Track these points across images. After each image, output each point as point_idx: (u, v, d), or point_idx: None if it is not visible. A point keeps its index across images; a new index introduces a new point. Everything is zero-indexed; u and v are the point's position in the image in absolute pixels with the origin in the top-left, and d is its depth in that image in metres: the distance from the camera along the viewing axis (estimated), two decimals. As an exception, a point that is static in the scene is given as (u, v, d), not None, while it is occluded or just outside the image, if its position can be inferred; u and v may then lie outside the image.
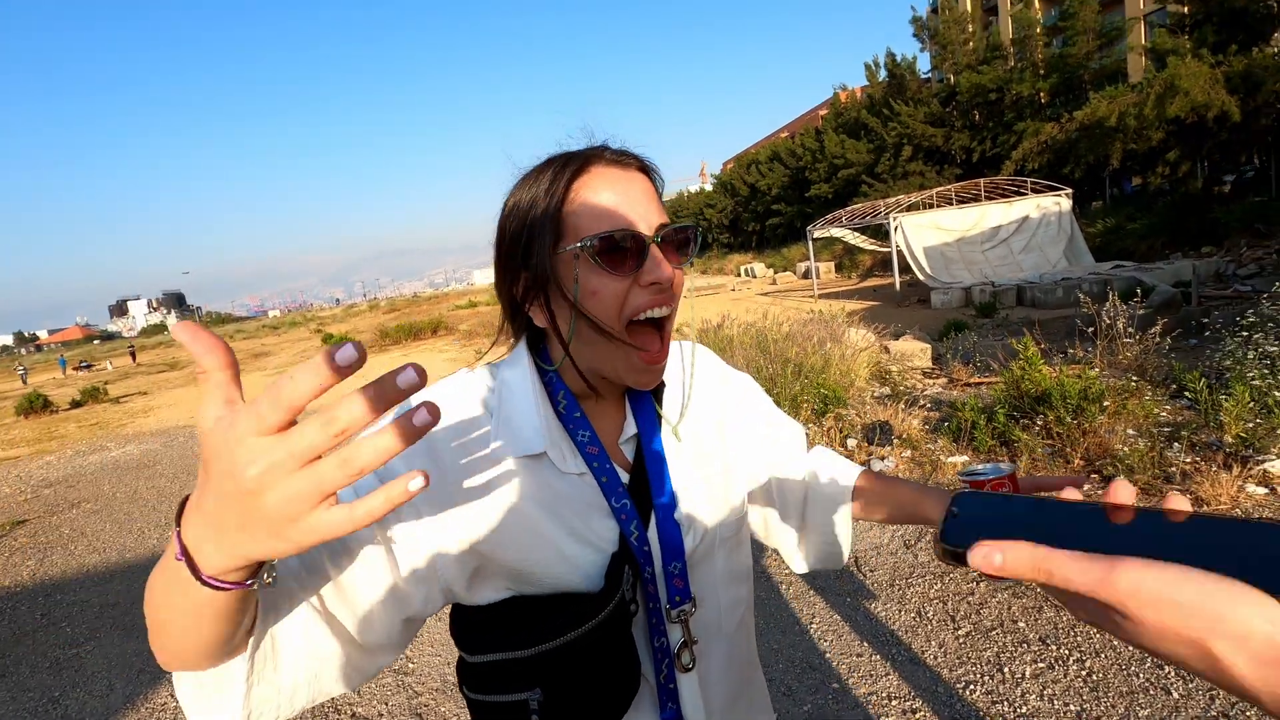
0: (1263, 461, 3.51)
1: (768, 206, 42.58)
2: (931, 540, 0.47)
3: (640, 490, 0.73)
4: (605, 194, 0.67)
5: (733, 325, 8.96)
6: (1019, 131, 24.21)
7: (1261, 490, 3.35)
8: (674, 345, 0.85)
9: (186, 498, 0.44)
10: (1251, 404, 3.71)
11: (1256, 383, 3.76)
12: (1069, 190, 19.56)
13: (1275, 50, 19.55)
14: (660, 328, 0.71)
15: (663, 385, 0.81)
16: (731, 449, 0.84)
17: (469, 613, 0.68)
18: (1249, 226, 17.60)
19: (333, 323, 36.42)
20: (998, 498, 0.46)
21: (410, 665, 2.96)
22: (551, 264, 0.67)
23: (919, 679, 2.36)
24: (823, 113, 45.45)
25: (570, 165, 0.68)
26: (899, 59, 30.60)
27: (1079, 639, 2.44)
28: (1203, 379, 3.97)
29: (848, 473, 0.87)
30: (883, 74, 31.29)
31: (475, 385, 0.73)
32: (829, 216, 24.15)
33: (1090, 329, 6.16)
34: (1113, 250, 19.38)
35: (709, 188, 64.41)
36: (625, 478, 0.73)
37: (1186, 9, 21.04)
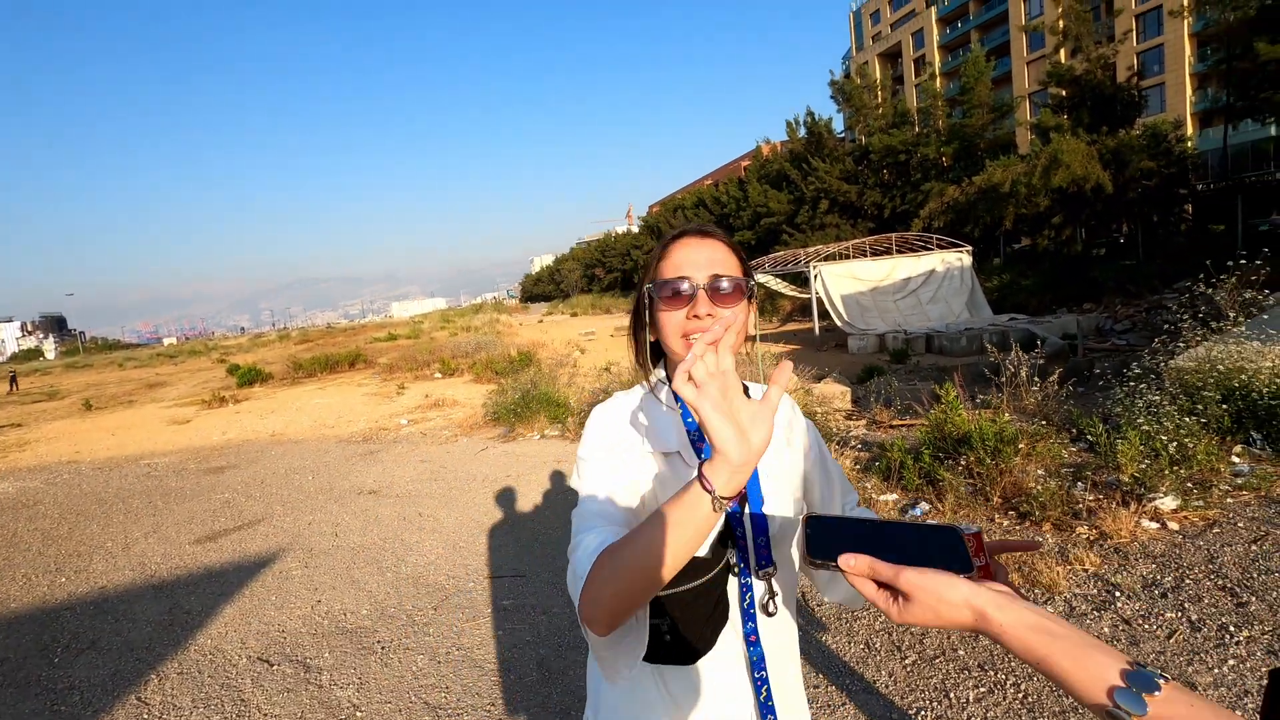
0: (1154, 499, 3.92)
1: (693, 250, 43.70)
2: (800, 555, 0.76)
3: None
4: (681, 253, 1.01)
5: (668, 365, 9.16)
6: (925, 191, 26.10)
7: (1154, 525, 3.74)
8: (760, 387, 1.14)
9: (701, 465, 0.74)
10: (1142, 447, 4.15)
11: (1146, 428, 4.21)
12: (969, 247, 21.21)
13: (1139, 133, 22.13)
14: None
15: None
16: (795, 467, 1.10)
17: None
18: (1122, 287, 19.59)
19: (238, 352, 34.30)
20: (833, 521, 0.77)
21: (358, 714, 2.83)
22: (645, 300, 1.02)
23: (873, 707, 2.48)
24: (745, 163, 47.49)
25: (674, 235, 1.04)
26: (817, 118, 32.50)
27: (1013, 664, 2.63)
28: (1101, 424, 4.39)
29: None
30: (803, 131, 33.09)
31: (632, 400, 1.07)
32: (752, 262, 25.01)
33: (996, 376, 6.70)
34: (1008, 304, 21.05)
35: (635, 230, 65.67)
36: None
37: (1064, 92, 23.56)
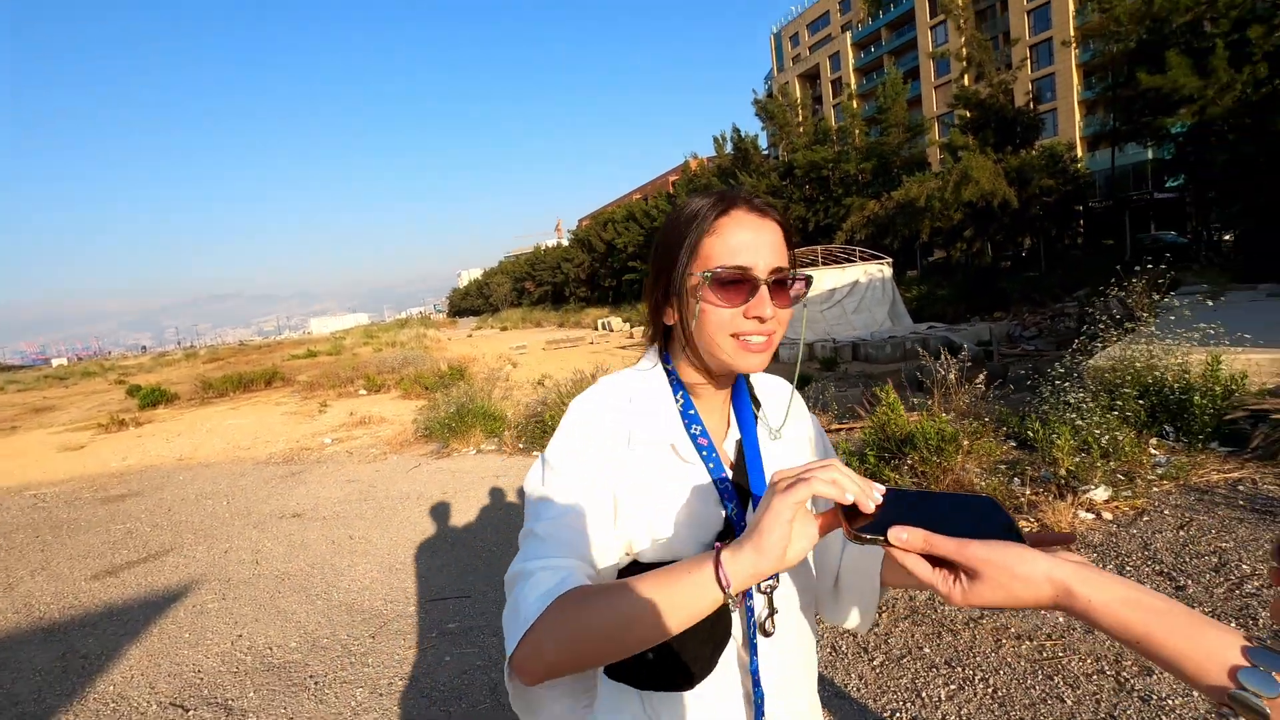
0: (1087, 491, 4.08)
1: (624, 263, 43.94)
2: (845, 529, 0.66)
3: (741, 481, 0.89)
4: (739, 235, 0.82)
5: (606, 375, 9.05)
6: (847, 206, 27.13)
7: (1090, 516, 3.88)
8: (779, 381, 1.06)
9: (719, 548, 0.68)
10: (1074, 441, 4.32)
11: (1079, 424, 4.40)
12: (890, 259, 22.14)
13: (1037, 154, 23.73)
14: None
15: (759, 403, 0.98)
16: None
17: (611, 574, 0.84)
18: (1027, 296, 20.87)
19: (140, 372, 31.74)
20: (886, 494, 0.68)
21: (290, 759, 2.55)
22: (683, 280, 0.84)
23: (848, 712, 2.42)
24: (673, 178, 48.22)
25: (721, 203, 0.84)
26: (743, 135, 33.34)
27: (978, 659, 2.63)
28: (1038, 422, 4.56)
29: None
30: (729, 147, 33.87)
31: (620, 386, 0.91)
32: (684, 274, 25.35)
33: (924, 381, 6.93)
34: (926, 313, 22.07)
35: (565, 243, 65.46)
36: (729, 471, 0.89)
37: (970, 114, 25.04)
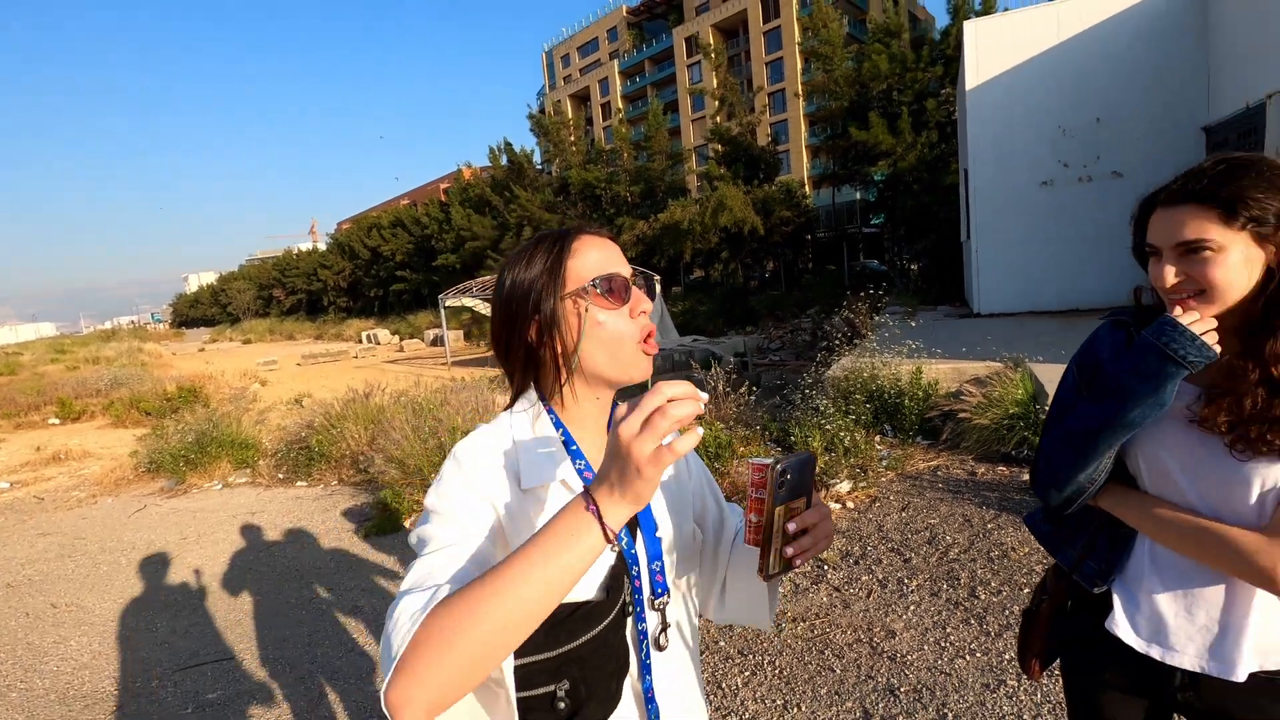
0: (834, 484, 4.76)
1: (391, 273, 41.28)
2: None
3: None
4: (597, 253, 0.90)
5: (383, 394, 8.41)
6: (619, 225, 28.47)
7: (838, 506, 4.54)
8: None
9: (586, 491, 0.68)
10: (823, 442, 5.02)
11: (828, 427, 5.12)
12: (659, 277, 23.69)
13: (777, 189, 27.12)
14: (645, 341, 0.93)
15: None
16: (686, 486, 1.04)
17: None
18: (772, 312, 23.71)
19: None
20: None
21: None
22: (560, 307, 0.87)
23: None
24: (445, 186, 46.60)
25: (563, 237, 0.90)
26: (518, 149, 33.37)
27: (764, 645, 2.94)
28: (796, 426, 5.21)
29: None
30: (505, 159, 33.68)
31: (502, 428, 0.91)
32: (460, 286, 24.57)
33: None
34: (690, 328, 23.96)
35: (323, 247, 59.71)
36: None
37: (722, 148, 27.88)
